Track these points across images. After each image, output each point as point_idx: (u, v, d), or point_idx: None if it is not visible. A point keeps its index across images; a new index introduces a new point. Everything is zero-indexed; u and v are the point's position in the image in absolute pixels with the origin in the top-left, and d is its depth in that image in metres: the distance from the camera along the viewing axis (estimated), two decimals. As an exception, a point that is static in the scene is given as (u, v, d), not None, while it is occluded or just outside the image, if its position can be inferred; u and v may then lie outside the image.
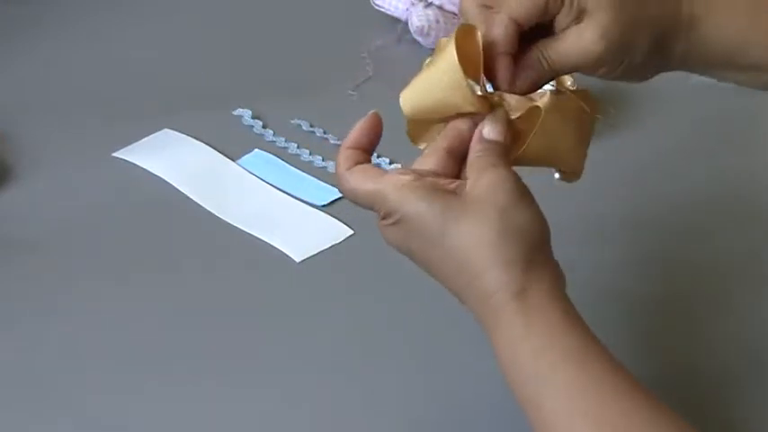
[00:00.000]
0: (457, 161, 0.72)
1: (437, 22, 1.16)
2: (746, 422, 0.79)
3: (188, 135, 1.05)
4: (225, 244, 0.94)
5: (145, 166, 1.01)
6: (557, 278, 0.69)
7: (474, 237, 0.68)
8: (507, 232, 0.68)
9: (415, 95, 0.73)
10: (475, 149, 0.72)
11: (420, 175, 0.70)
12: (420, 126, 0.74)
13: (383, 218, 0.70)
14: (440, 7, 1.17)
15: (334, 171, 0.99)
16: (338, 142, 1.04)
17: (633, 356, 0.83)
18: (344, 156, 0.71)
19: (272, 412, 0.80)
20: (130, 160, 1.02)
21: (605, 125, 1.05)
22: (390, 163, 0.99)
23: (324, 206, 0.96)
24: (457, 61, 0.71)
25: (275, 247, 0.93)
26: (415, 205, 0.68)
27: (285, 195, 0.99)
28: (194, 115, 1.07)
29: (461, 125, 0.73)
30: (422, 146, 0.74)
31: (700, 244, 0.93)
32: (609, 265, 0.91)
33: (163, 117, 1.07)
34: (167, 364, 0.83)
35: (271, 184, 1.00)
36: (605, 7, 0.74)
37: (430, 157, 0.72)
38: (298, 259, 0.92)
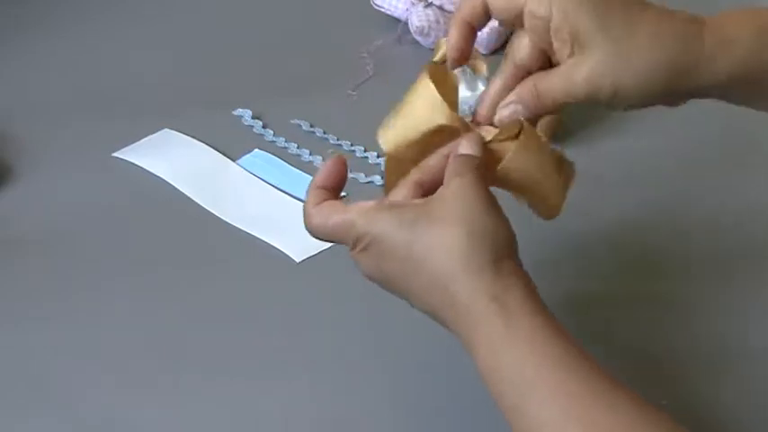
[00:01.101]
0: (427, 194, 0.71)
1: (437, 22, 1.16)
2: (739, 423, 0.79)
3: (188, 135, 1.05)
4: (225, 244, 0.94)
5: (145, 166, 1.01)
6: (529, 285, 0.69)
7: (442, 245, 0.68)
8: (475, 238, 0.68)
9: (395, 131, 0.74)
10: (448, 165, 0.72)
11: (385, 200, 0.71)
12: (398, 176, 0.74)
13: (353, 247, 0.71)
14: (440, 7, 1.17)
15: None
16: (338, 142, 1.04)
17: (621, 355, 0.83)
18: (313, 194, 0.72)
19: (272, 412, 0.80)
20: (130, 160, 1.02)
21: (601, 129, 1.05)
22: (378, 157, 1.00)
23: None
24: (434, 89, 0.73)
25: (275, 247, 0.93)
26: (382, 224, 0.69)
27: (285, 195, 0.99)
28: (194, 115, 1.07)
29: (434, 161, 0.73)
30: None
31: (692, 245, 0.94)
32: (602, 268, 0.92)
33: (163, 117, 1.07)
34: (167, 363, 0.83)
35: (271, 184, 1.00)
36: (600, 45, 0.72)
37: (401, 188, 0.72)
38: (298, 259, 0.92)
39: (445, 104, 0.74)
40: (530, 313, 0.67)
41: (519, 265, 0.69)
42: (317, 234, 0.73)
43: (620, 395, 0.65)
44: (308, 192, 0.73)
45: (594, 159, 1.03)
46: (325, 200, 0.72)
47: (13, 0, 1.25)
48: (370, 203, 0.70)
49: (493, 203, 0.70)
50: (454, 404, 0.79)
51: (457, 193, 0.69)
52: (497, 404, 0.66)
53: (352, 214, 0.70)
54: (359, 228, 0.70)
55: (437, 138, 0.74)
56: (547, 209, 0.76)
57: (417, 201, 0.71)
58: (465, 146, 0.73)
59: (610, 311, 0.87)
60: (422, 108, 0.74)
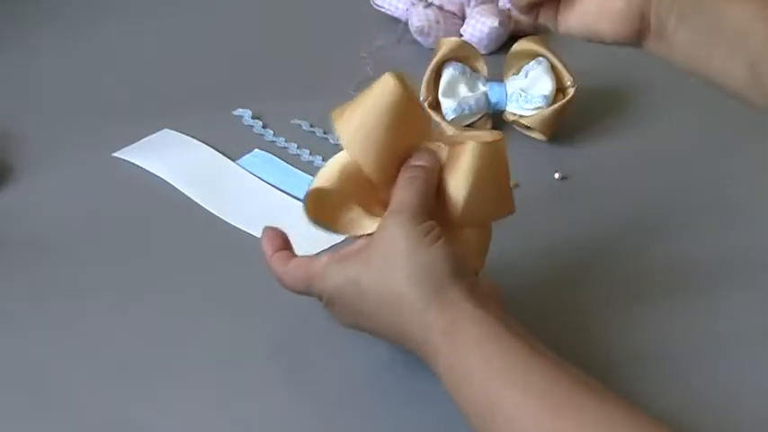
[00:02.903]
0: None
1: (437, 22, 1.16)
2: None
3: (188, 135, 1.05)
4: (225, 244, 0.94)
5: (145, 166, 1.01)
6: (476, 309, 0.71)
7: (388, 293, 0.73)
8: (415, 278, 0.72)
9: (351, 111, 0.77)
10: (397, 182, 0.76)
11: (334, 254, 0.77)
12: (326, 209, 0.78)
13: (320, 300, 0.78)
14: (440, 7, 1.17)
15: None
16: (338, 142, 1.04)
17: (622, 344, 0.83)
18: (276, 260, 0.80)
19: (272, 411, 0.80)
20: (130, 160, 1.02)
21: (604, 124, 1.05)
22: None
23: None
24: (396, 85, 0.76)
25: (275, 247, 0.93)
26: (333, 282, 0.76)
27: (285, 195, 0.99)
28: (194, 115, 1.07)
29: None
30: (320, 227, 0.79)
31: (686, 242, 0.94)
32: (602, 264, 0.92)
33: (163, 117, 1.07)
34: (167, 363, 0.83)
35: (271, 184, 1.00)
36: None
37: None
38: (298, 259, 0.92)
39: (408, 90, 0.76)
40: (478, 343, 0.70)
41: (467, 286, 0.73)
42: (294, 291, 0.80)
43: (585, 392, 0.67)
44: (270, 262, 0.80)
45: (594, 159, 1.03)
46: (288, 258, 0.79)
47: (14, 0, 1.25)
48: (324, 260, 0.76)
49: (427, 234, 0.73)
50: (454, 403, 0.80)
51: (390, 237, 0.73)
52: (469, 424, 0.70)
53: (311, 273, 0.77)
54: (317, 286, 0.76)
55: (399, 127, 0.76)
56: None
57: (360, 246, 0.76)
58: (415, 156, 0.77)
59: (607, 311, 0.87)
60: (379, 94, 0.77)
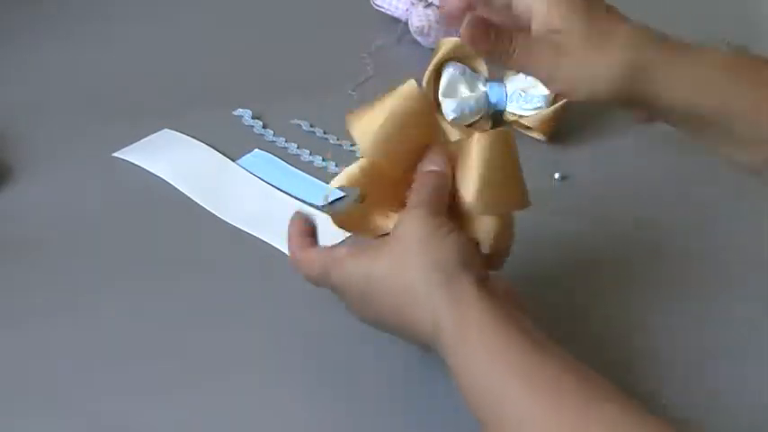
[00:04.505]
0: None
1: (437, 22, 1.16)
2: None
3: (188, 135, 1.05)
4: (225, 244, 0.94)
5: (145, 166, 1.01)
6: (483, 300, 0.72)
7: (399, 292, 0.73)
8: (428, 265, 0.73)
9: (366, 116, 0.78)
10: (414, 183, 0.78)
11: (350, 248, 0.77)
12: (354, 219, 0.80)
13: (334, 292, 0.78)
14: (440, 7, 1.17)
15: (333, 171, 1.00)
16: (338, 142, 1.04)
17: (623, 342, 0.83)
18: (295, 242, 0.81)
19: (272, 411, 0.80)
20: (130, 160, 1.02)
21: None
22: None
23: (324, 206, 0.96)
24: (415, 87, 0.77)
25: (275, 247, 0.93)
26: (346, 277, 0.76)
27: (285, 195, 0.99)
28: (194, 115, 1.07)
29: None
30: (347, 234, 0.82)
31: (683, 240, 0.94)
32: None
33: (163, 117, 1.07)
34: (167, 363, 0.83)
35: (271, 184, 1.00)
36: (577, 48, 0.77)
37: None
38: (298, 259, 0.92)
39: (424, 95, 0.79)
40: (485, 334, 0.70)
41: (482, 276, 0.73)
42: (308, 278, 0.80)
43: (595, 395, 0.67)
44: (290, 245, 0.81)
45: (594, 159, 1.03)
46: (309, 245, 0.80)
47: (14, 0, 1.25)
48: (343, 252, 0.77)
49: (441, 227, 0.74)
50: (454, 402, 0.79)
51: (405, 229, 0.74)
52: (478, 420, 0.69)
53: (328, 263, 0.77)
54: (332, 277, 0.77)
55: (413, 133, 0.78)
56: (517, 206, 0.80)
57: (378, 242, 0.76)
58: (427, 161, 0.78)
59: (610, 309, 0.87)
60: (397, 98, 0.78)
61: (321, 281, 0.79)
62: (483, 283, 0.72)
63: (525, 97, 1.03)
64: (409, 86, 0.77)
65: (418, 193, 0.77)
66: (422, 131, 0.78)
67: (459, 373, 0.70)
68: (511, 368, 0.68)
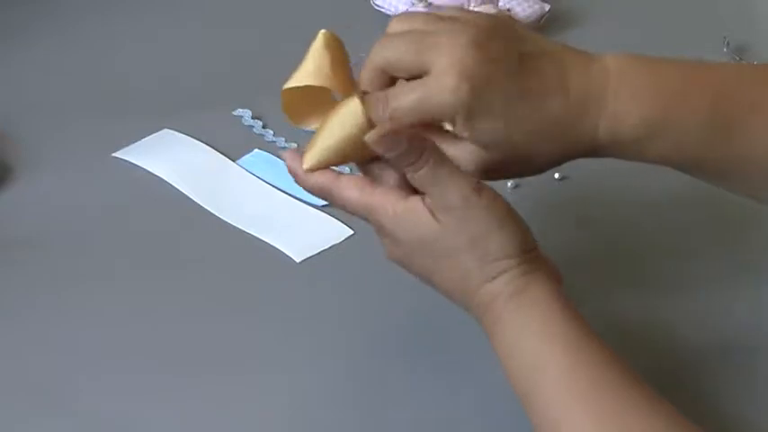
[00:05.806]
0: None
1: (437, 22, 1.16)
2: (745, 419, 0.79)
3: (188, 135, 1.05)
4: (225, 244, 0.94)
5: (145, 166, 1.01)
6: (552, 275, 0.72)
7: (469, 247, 0.71)
8: (497, 233, 0.71)
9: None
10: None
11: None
12: (299, 106, 0.82)
13: (378, 232, 0.74)
14: (439, 8, 1.17)
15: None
16: (338, 142, 1.04)
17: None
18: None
19: (272, 411, 0.80)
20: (130, 160, 1.02)
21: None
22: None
23: (324, 206, 0.96)
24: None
25: (275, 247, 0.93)
26: (407, 233, 0.72)
27: (285, 195, 0.99)
28: (194, 115, 1.07)
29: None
30: (311, 126, 0.82)
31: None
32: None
33: (163, 117, 1.07)
34: (167, 363, 0.83)
35: (271, 184, 1.00)
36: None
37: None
38: (298, 259, 0.92)
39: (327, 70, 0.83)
40: (548, 302, 0.71)
41: (540, 254, 0.73)
42: (337, 203, 0.76)
43: (633, 384, 0.68)
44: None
45: (594, 159, 1.03)
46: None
47: (14, 0, 1.24)
48: (401, 203, 0.72)
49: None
50: (457, 403, 0.80)
51: (485, 212, 0.71)
52: (514, 390, 0.69)
53: (374, 204, 0.73)
54: (387, 224, 0.73)
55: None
56: None
57: (445, 204, 0.71)
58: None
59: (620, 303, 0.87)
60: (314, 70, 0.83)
61: (367, 213, 0.74)
62: (541, 261, 0.73)
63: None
64: (325, 36, 0.85)
65: (454, 181, 0.72)
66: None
67: (504, 342, 0.71)
68: (563, 342, 0.69)
